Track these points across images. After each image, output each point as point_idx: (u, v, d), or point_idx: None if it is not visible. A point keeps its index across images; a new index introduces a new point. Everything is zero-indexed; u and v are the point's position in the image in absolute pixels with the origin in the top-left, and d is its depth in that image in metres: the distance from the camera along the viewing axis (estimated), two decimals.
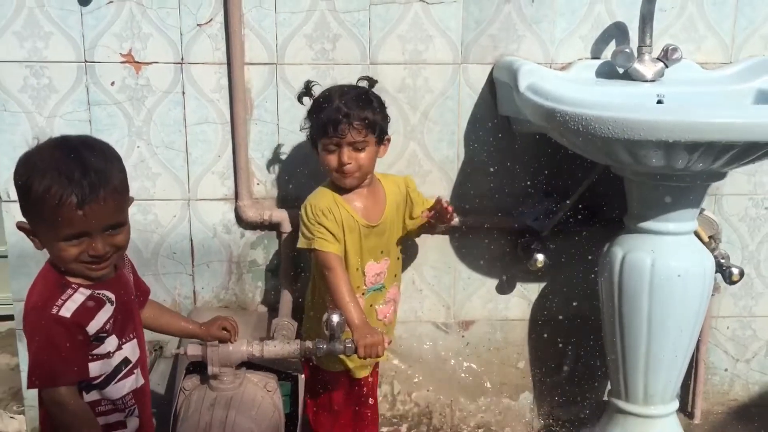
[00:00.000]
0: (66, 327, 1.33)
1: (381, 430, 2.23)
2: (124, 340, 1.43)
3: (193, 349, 1.66)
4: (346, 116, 1.76)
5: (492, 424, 2.32)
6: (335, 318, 1.67)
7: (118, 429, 1.45)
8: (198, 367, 1.74)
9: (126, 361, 1.43)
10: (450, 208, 1.89)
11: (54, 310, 1.33)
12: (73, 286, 1.36)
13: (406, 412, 2.29)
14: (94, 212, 1.30)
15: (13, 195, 1.99)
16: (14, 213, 2.02)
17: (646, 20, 1.98)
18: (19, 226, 1.38)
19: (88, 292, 1.37)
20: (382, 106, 1.85)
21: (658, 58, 2.00)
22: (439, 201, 1.88)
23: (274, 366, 1.80)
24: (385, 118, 1.86)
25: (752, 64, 2.05)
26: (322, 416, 2.02)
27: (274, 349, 1.70)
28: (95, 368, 1.38)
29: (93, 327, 1.36)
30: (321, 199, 1.84)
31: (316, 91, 1.88)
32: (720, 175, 1.83)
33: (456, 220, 2.11)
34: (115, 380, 1.42)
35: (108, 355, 1.40)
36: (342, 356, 1.86)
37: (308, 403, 1.98)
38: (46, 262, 1.40)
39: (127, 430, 1.46)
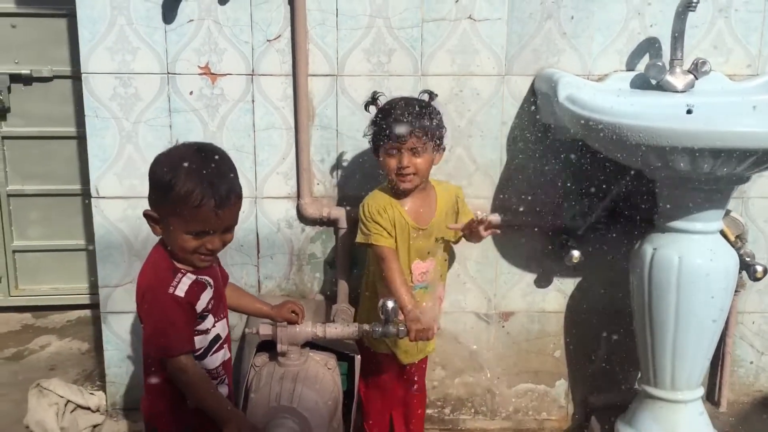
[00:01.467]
0: (181, 305, 1.55)
1: (426, 411, 2.42)
2: (217, 319, 1.66)
3: (265, 329, 1.87)
4: (409, 124, 1.95)
5: (529, 410, 2.49)
6: (390, 304, 1.87)
7: None
8: (266, 347, 1.96)
9: (218, 337, 1.67)
10: (483, 226, 2.04)
11: (171, 290, 1.55)
12: (182, 271, 1.59)
13: (449, 395, 2.47)
14: (226, 215, 1.55)
15: (102, 191, 2.25)
16: (103, 208, 2.27)
17: (678, 35, 2.14)
18: (146, 214, 1.59)
19: (193, 276, 1.59)
20: (440, 118, 2.04)
21: (688, 71, 2.16)
22: (472, 222, 2.06)
23: (334, 347, 2.01)
24: (442, 129, 2.04)
25: None
26: (372, 393, 2.21)
27: (335, 330, 1.91)
28: (197, 342, 1.61)
29: (200, 306, 1.59)
30: (377, 200, 2.04)
31: (381, 101, 2.06)
32: (744, 179, 1.98)
33: (498, 218, 2.31)
34: (211, 353, 1.65)
35: (207, 331, 1.63)
36: (390, 344, 2.07)
37: (360, 380, 2.18)
38: (156, 251, 1.62)
39: None
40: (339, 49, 2.21)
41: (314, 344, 1.96)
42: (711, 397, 2.47)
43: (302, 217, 2.32)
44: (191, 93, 2.22)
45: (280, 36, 2.20)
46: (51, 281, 3.36)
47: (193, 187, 1.50)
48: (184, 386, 1.58)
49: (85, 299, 3.39)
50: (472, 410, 2.48)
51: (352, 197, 2.25)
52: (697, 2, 2.04)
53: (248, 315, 1.99)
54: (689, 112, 2.07)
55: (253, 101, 2.24)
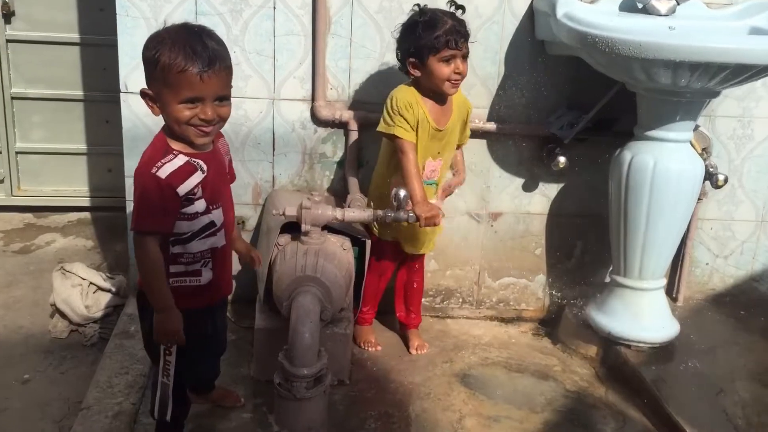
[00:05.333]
0: (160, 185, 1.59)
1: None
2: (212, 207, 1.69)
3: (291, 210, 2.09)
4: (463, 34, 2.12)
5: (510, 300, 2.78)
6: (402, 192, 2.10)
7: (194, 276, 1.74)
8: (287, 230, 2.18)
9: (212, 224, 1.71)
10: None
11: (153, 170, 1.59)
12: (174, 152, 1.62)
13: (440, 286, 2.74)
14: (211, 81, 1.57)
15: (131, 87, 2.40)
16: (131, 102, 2.43)
17: None
18: (143, 93, 1.62)
19: (185, 158, 1.63)
20: None
21: None
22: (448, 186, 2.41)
23: (348, 231, 2.24)
24: None
25: (749, 5, 2.43)
26: (371, 277, 2.42)
27: (353, 214, 2.14)
28: (183, 226, 1.66)
29: (183, 189, 1.61)
30: (406, 94, 2.19)
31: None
32: (714, 93, 2.24)
33: (493, 127, 2.54)
34: (199, 237, 1.70)
35: (195, 216, 1.66)
36: (402, 233, 2.30)
37: None
38: (158, 134, 1.67)
39: (202, 278, 1.74)
40: None
41: (331, 228, 2.19)
42: (670, 293, 2.79)
43: (315, 119, 2.51)
44: None
45: None
46: (52, 183, 3.49)
47: (177, 54, 1.54)
48: (138, 262, 1.65)
49: (84, 201, 3.54)
50: (461, 300, 2.76)
51: (362, 102, 2.45)
52: None
53: None
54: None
55: (274, 8, 2.40)
